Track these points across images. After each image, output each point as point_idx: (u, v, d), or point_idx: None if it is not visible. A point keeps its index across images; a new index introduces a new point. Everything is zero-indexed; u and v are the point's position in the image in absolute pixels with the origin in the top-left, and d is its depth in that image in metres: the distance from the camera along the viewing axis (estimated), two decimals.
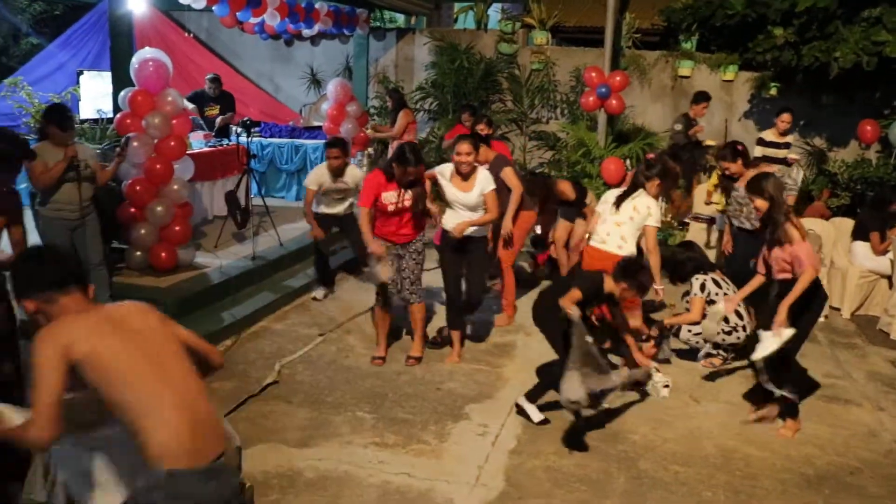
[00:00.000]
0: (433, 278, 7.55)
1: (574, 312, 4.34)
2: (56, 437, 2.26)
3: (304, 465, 4.12)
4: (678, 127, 8.62)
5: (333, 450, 4.31)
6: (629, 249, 5.38)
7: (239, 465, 2.72)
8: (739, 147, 6.09)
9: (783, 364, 4.66)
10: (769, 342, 4.59)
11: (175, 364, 2.40)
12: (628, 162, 8.46)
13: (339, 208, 6.78)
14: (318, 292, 6.95)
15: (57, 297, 2.39)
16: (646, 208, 5.42)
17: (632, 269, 4.64)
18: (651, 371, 4.81)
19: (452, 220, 5.36)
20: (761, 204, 4.71)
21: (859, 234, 7.18)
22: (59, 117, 5.45)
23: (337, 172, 6.54)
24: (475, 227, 5.38)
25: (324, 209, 6.73)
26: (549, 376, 4.55)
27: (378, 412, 4.78)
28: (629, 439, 4.55)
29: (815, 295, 4.76)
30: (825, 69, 8.78)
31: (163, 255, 6.46)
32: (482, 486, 3.99)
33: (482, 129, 7.62)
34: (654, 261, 5.43)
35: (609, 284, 4.63)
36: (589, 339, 4.24)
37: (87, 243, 5.67)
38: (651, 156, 6.66)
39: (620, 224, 5.47)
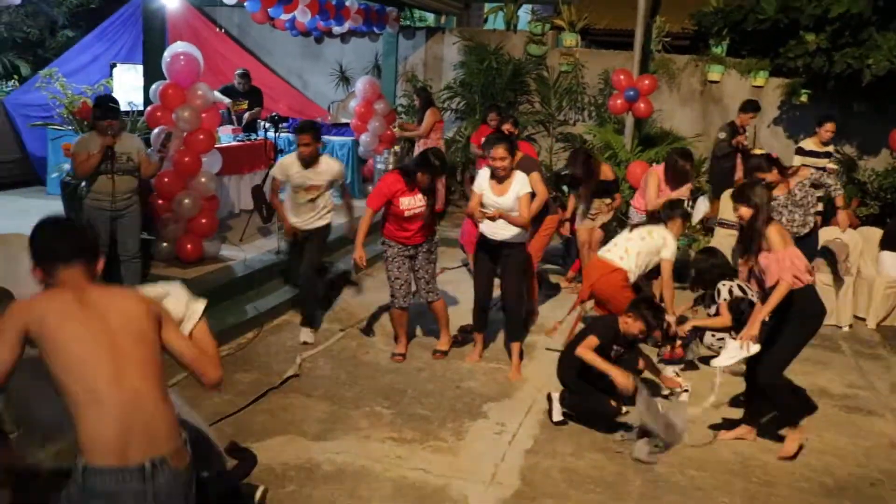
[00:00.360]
0: (454, 277, 7.61)
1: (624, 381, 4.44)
2: None
3: (322, 458, 4.17)
4: (722, 135, 8.39)
5: (351, 444, 4.35)
6: (629, 265, 5.33)
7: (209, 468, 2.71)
8: (774, 155, 6.09)
9: (769, 380, 4.41)
10: (734, 352, 4.45)
11: (133, 364, 2.30)
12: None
13: (307, 217, 5.98)
14: (307, 335, 5.86)
15: (58, 270, 2.38)
16: (661, 238, 5.39)
17: (641, 303, 4.67)
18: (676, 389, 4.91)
19: (489, 225, 5.26)
20: (745, 212, 4.42)
21: (887, 243, 7.10)
22: (99, 107, 5.55)
23: (307, 161, 5.81)
24: (512, 234, 5.22)
25: (292, 218, 6.00)
26: (586, 403, 4.66)
27: (396, 408, 4.81)
28: None
29: (809, 309, 4.38)
30: (857, 76, 8.66)
31: (189, 246, 6.55)
32: (497, 485, 4.01)
33: (508, 128, 7.63)
34: (667, 295, 5.41)
35: (621, 323, 4.67)
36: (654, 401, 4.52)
37: (126, 234, 5.78)
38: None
39: (630, 239, 5.48)
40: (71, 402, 2.23)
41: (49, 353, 2.24)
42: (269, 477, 3.94)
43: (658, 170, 6.73)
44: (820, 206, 6.00)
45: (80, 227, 2.58)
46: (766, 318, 4.37)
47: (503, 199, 5.19)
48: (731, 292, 5.57)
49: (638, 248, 5.38)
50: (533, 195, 5.64)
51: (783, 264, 4.22)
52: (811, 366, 5.84)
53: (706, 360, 5.65)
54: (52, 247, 2.40)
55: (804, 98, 9.68)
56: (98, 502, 2.20)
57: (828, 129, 7.82)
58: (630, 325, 4.59)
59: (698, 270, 5.88)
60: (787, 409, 4.52)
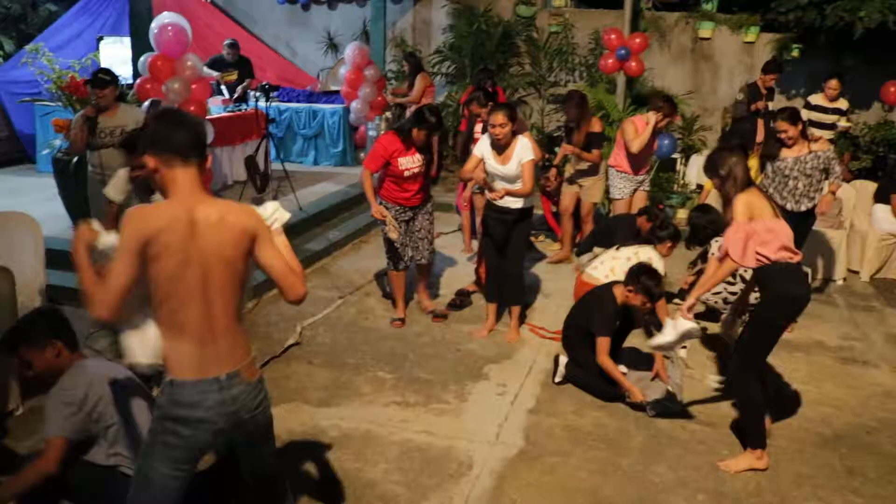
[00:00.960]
0: (450, 241, 7.63)
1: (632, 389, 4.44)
2: (114, 319, 2.37)
3: (327, 424, 4.21)
4: (740, 97, 8.20)
5: (355, 409, 4.40)
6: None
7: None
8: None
9: (735, 370, 4.03)
10: (668, 332, 4.03)
11: (216, 288, 2.40)
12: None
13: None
14: None
15: (176, 165, 2.40)
16: (647, 259, 5.17)
17: (638, 272, 4.62)
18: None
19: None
20: (714, 183, 4.06)
21: (880, 196, 7.13)
22: (92, 77, 5.48)
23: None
24: (521, 203, 5.13)
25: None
26: (588, 380, 4.66)
27: (398, 372, 4.86)
28: None
29: (783, 291, 3.83)
30: (849, 29, 8.62)
31: None
32: (501, 444, 4.06)
33: (489, 86, 7.65)
34: (661, 314, 5.01)
35: (619, 293, 4.64)
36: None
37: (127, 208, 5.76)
38: (662, 206, 6.58)
39: (616, 258, 5.41)
40: (158, 316, 2.42)
41: (151, 264, 2.33)
42: (276, 444, 3.99)
43: (634, 118, 6.76)
44: (824, 190, 5.57)
45: (195, 121, 2.58)
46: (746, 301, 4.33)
47: (506, 167, 5.08)
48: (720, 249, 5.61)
49: (623, 268, 5.04)
50: None
51: (735, 236, 3.77)
52: (806, 319, 5.88)
53: (700, 316, 5.69)
54: (172, 138, 2.41)
55: (795, 53, 9.64)
56: (183, 411, 2.42)
57: (831, 86, 7.78)
58: (631, 298, 4.58)
59: (693, 227, 5.89)
60: (746, 420, 4.01)
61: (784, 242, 3.78)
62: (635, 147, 6.45)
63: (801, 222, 5.52)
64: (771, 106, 7.99)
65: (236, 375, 2.48)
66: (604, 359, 4.49)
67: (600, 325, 4.56)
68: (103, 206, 5.55)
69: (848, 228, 7.14)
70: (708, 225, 5.71)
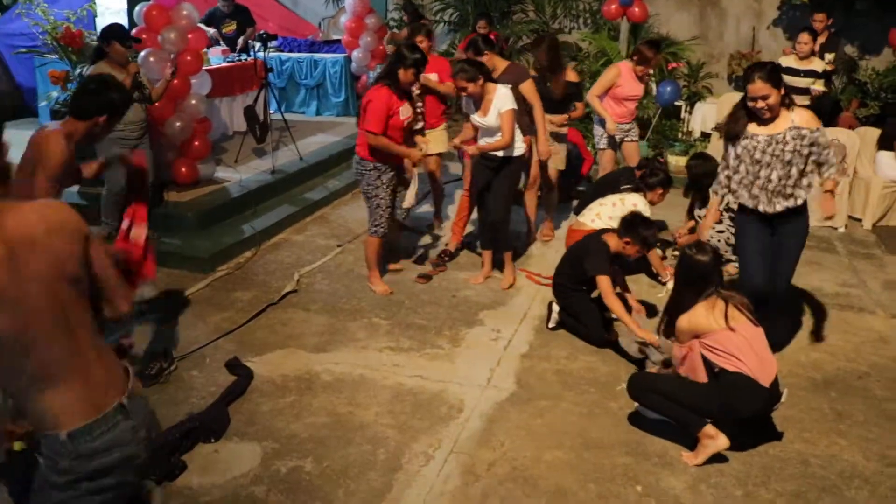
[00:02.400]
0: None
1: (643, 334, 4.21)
2: None
3: (321, 369, 4.27)
4: None
5: (349, 354, 4.46)
6: (599, 226, 5.26)
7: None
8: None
9: None
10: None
11: (73, 312, 1.93)
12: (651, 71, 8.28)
13: None
14: None
15: None
16: (632, 206, 5.18)
17: (634, 222, 4.60)
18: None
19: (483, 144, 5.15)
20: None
21: (884, 143, 7.04)
22: (120, 33, 5.45)
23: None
24: (505, 152, 5.07)
25: None
26: (579, 324, 4.67)
27: (393, 318, 4.90)
28: None
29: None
30: None
31: (183, 170, 6.55)
32: (493, 388, 4.11)
33: (482, 26, 7.51)
34: (653, 260, 5.27)
35: (613, 243, 4.61)
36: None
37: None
38: (664, 160, 6.41)
39: (602, 204, 5.47)
40: (24, 378, 1.90)
41: None
42: (270, 388, 4.06)
43: (620, 64, 6.46)
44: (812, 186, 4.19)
45: None
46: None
47: (486, 119, 5.01)
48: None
49: (609, 213, 5.33)
50: (529, 109, 5.46)
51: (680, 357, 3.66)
52: (805, 266, 5.86)
53: None
54: None
55: None
56: (98, 460, 1.96)
57: (802, 41, 6.99)
58: (628, 248, 4.56)
59: (692, 176, 5.88)
60: (669, 416, 3.64)
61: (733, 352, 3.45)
62: (590, 93, 6.30)
63: (786, 239, 4.20)
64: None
65: (132, 395, 2.04)
66: (610, 300, 4.38)
67: (596, 266, 4.51)
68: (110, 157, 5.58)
69: (851, 175, 7.07)
70: (706, 174, 5.68)
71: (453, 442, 3.63)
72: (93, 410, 1.95)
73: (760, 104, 3.94)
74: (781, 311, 4.50)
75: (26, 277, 1.83)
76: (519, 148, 5.15)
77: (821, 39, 7.43)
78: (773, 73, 3.94)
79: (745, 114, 4.09)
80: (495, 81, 5.11)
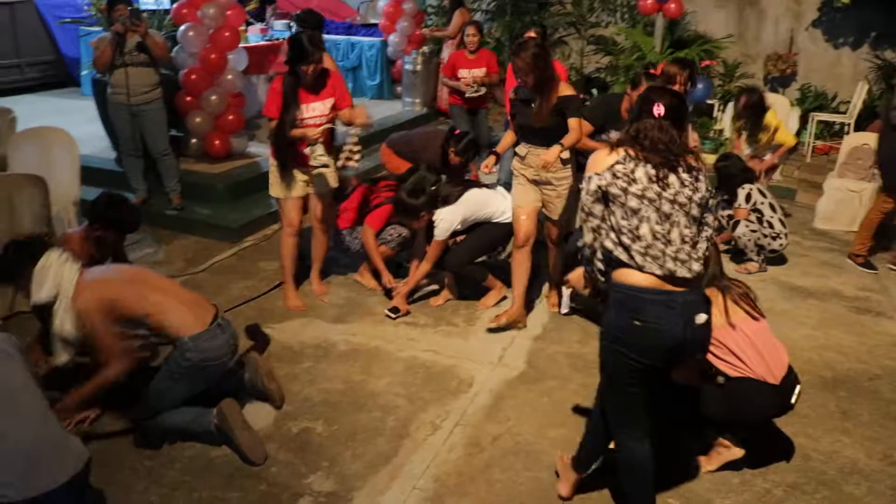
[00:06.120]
0: None
1: None
2: None
3: (338, 339, 4.40)
4: None
5: (366, 326, 4.58)
6: None
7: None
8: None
9: None
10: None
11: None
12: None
13: None
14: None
15: None
16: None
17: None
18: None
19: None
20: None
21: None
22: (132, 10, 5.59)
23: None
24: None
25: None
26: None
27: (412, 295, 4.99)
28: None
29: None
30: None
31: (217, 142, 6.71)
32: (504, 367, 4.21)
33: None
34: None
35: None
36: None
37: (152, 130, 5.91)
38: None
39: None
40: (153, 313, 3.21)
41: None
42: (288, 354, 4.19)
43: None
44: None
45: None
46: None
47: None
48: (748, 197, 5.66)
49: None
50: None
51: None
52: (827, 269, 5.90)
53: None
54: None
55: (846, 0, 9.34)
56: (207, 354, 3.24)
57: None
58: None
59: (721, 175, 5.92)
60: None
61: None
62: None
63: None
64: None
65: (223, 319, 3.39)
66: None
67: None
68: (122, 126, 5.75)
69: (877, 181, 7.02)
70: (739, 174, 5.75)
71: (460, 414, 3.73)
72: (200, 325, 3.23)
73: None
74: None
75: None
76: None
77: None
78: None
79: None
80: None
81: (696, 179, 2.69)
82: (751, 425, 3.42)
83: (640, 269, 2.63)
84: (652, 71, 4.99)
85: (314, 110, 4.42)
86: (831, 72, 9.52)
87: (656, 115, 2.68)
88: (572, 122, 4.15)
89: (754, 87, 6.44)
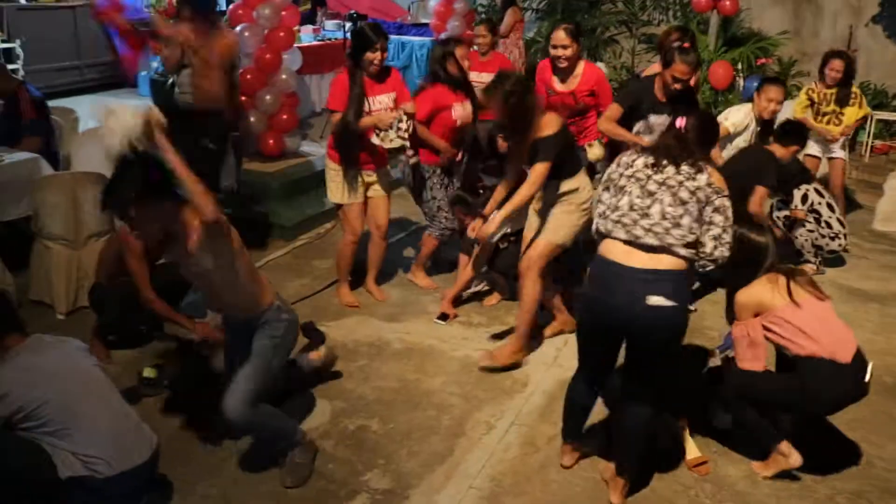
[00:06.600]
0: None
1: None
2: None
3: (393, 337, 4.44)
4: None
5: (421, 325, 4.61)
6: None
7: None
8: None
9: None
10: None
11: None
12: (739, 66, 8.17)
13: None
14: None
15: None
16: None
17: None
18: None
19: None
20: None
21: None
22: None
23: None
24: None
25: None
26: None
27: (466, 295, 4.99)
28: (706, 334, 4.62)
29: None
30: None
31: (271, 141, 6.81)
32: (558, 367, 4.20)
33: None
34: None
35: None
36: None
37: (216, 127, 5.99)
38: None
39: None
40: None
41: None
42: (343, 352, 4.24)
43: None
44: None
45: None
46: None
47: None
48: (805, 198, 5.55)
49: None
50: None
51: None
52: (888, 271, 5.76)
53: None
54: None
55: None
56: (292, 316, 3.33)
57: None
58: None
59: (784, 177, 5.80)
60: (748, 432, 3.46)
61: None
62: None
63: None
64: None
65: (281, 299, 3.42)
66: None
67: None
68: None
69: None
70: (798, 174, 5.64)
71: (515, 414, 3.74)
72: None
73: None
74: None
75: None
76: None
77: None
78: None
79: None
80: None
81: (698, 171, 2.85)
82: (830, 409, 3.38)
83: (608, 234, 2.87)
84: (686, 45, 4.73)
85: (380, 103, 4.43)
86: (892, 69, 9.26)
87: (678, 126, 2.98)
88: (535, 167, 3.73)
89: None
